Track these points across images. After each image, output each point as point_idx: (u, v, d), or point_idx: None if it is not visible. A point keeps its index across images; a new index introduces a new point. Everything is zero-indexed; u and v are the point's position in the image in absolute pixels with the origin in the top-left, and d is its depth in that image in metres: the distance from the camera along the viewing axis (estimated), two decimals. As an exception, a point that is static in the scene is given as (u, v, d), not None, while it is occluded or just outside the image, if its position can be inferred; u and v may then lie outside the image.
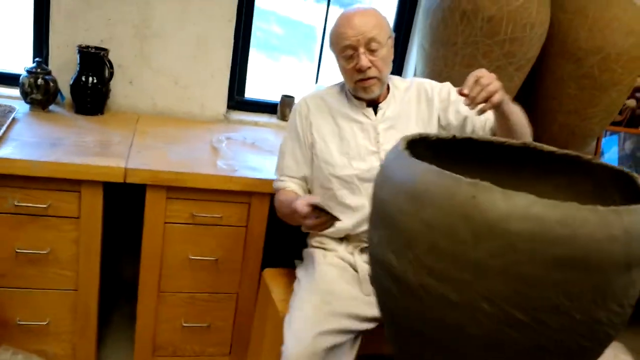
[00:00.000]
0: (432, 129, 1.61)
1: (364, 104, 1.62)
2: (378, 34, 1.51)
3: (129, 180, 1.68)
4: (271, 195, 1.83)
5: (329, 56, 1.65)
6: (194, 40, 2.22)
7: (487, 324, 0.81)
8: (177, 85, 2.26)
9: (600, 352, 0.89)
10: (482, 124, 1.57)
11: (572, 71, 2.22)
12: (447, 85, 1.66)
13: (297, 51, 2.69)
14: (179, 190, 1.75)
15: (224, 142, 2.03)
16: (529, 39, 2.06)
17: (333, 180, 1.60)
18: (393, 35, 1.59)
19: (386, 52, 1.54)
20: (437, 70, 2.13)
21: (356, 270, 1.58)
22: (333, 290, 1.51)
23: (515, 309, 0.79)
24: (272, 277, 1.77)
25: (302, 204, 1.41)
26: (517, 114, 1.45)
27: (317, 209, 1.41)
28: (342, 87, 1.67)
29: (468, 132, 1.58)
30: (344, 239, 1.65)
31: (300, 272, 1.65)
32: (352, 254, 1.62)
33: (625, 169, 1.00)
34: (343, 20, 1.54)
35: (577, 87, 2.23)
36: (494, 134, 1.54)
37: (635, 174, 0.97)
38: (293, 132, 1.67)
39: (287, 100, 2.45)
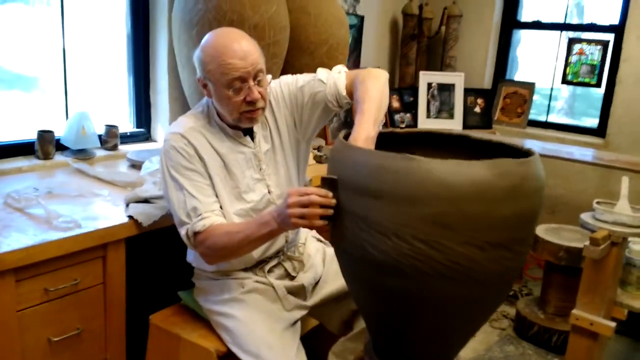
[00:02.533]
0: (304, 130, 1.64)
1: (241, 133, 1.58)
2: (263, 63, 1.49)
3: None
4: (126, 240, 1.70)
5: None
6: None
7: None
8: None
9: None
10: (332, 90, 1.55)
11: (308, 62, 2.61)
12: (279, 83, 1.66)
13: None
14: (29, 268, 1.47)
15: (29, 200, 1.72)
16: (284, 40, 2.35)
17: (232, 218, 1.55)
18: None
19: (266, 80, 1.54)
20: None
21: (274, 289, 1.62)
22: (271, 312, 1.57)
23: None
24: (164, 320, 1.68)
25: (303, 189, 1.26)
26: (378, 110, 1.39)
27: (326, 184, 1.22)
28: (207, 117, 1.57)
29: (320, 99, 1.56)
30: (250, 266, 1.64)
31: (216, 307, 1.59)
32: (264, 276, 1.63)
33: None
34: (225, 49, 1.43)
35: (314, 75, 2.64)
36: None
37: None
38: (186, 171, 1.49)
39: (47, 136, 2.16)
